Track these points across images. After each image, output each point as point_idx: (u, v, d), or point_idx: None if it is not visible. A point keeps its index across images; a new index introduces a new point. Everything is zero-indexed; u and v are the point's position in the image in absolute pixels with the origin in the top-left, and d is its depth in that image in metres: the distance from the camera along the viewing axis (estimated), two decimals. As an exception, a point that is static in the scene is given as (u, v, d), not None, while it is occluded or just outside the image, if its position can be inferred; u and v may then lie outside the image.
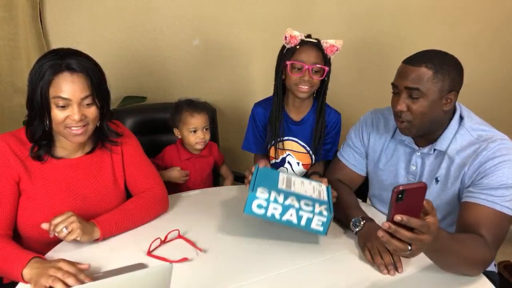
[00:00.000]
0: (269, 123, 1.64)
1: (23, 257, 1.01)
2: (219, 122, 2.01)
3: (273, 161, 1.69)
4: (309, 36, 1.54)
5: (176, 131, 1.69)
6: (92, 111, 1.14)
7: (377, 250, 1.10)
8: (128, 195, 1.34)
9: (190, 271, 1.07)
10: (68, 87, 1.08)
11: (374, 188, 1.45)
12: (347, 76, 2.23)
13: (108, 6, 1.96)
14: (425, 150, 1.25)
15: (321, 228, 1.12)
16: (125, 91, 2.07)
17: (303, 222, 1.11)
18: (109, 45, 2.01)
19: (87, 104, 1.12)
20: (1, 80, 1.90)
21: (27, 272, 0.98)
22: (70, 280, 0.93)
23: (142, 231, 1.24)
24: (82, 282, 0.94)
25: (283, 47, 1.56)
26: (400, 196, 0.81)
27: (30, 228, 1.16)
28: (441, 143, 1.21)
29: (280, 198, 1.11)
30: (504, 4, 2.27)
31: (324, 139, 1.65)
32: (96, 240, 1.15)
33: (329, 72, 1.55)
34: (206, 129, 1.67)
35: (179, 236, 1.20)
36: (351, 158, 1.46)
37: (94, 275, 1.02)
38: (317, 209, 1.11)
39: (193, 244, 1.17)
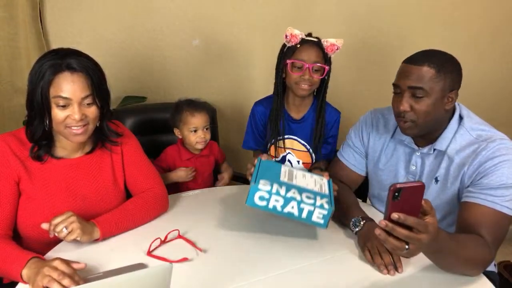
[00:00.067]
0: (269, 121, 1.65)
1: (22, 257, 1.01)
2: (219, 122, 2.01)
3: (273, 159, 1.70)
4: (309, 34, 1.54)
5: (176, 131, 1.69)
6: (92, 111, 1.14)
7: (377, 250, 1.10)
8: (128, 195, 1.34)
9: (190, 271, 1.07)
10: (69, 87, 1.08)
11: (374, 188, 1.45)
12: (347, 76, 2.23)
13: (108, 6, 1.96)
14: (425, 150, 1.25)
15: (321, 221, 1.12)
16: (125, 91, 2.07)
17: (304, 215, 1.12)
18: (109, 45, 2.01)
19: (88, 104, 1.12)
20: (1, 80, 1.90)
21: (26, 272, 0.98)
22: (66, 281, 0.93)
23: (142, 231, 1.24)
24: (77, 283, 0.94)
25: (284, 45, 1.56)
26: (396, 194, 0.82)
27: (30, 228, 1.16)
28: (441, 143, 1.21)
29: (282, 191, 1.12)
30: (504, 4, 2.27)
31: (324, 137, 1.66)
32: (96, 240, 1.15)
33: (329, 71, 1.55)
34: (206, 129, 1.67)
35: (179, 236, 1.20)
36: (351, 158, 1.46)
37: (94, 275, 1.02)
38: (318, 202, 1.12)
39: (193, 244, 1.17)
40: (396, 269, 1.08)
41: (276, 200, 1.11)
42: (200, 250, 1.15)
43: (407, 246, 0.85)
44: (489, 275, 1.12)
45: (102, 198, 1.25)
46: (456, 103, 1.22)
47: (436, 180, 1.23)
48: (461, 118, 1.22)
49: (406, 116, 1.17)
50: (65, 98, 1.08)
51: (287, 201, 1.11)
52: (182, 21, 2.05)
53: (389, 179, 1.36)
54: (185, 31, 2.07)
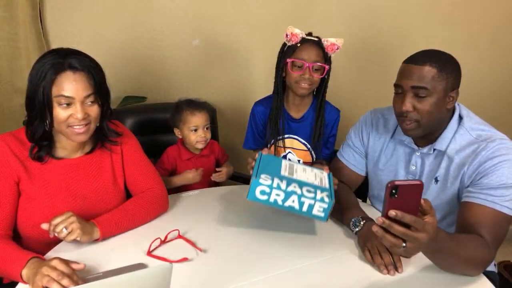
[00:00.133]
0: (269, 120, 1.65)
1: (22, 257, 1.01)
2: (219, 122, 2.01)
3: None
4: (310, 34, 1.54)
5: (176, 131, 1.69)
6: (94, 110, 1.14)
7: (377, 250, 1.10)
8: (128, 195, 1.34)
9: (190, 271, 1.07)
10: (71, 86, 1.08)
11: (373, 188, 1.45)
12: (347, 76, 2.23)
13: (108, 6, 1.96)
14: (425, 150, 1.25)
15: (322, 214, 1.13)
16: (125, 91, 2.07)
17: (304, 208, 1.12)
18: (109, 45, 2.02)
19: (90, 103, 1.13)
20: (1, 80, 1.90)
21: (25, 272, 0.98)
22: (65, 281, 0.92)
23: (142, 231, 1.24)
24: (76, 283, 0.94)
25: (284, 44, 1.56)
26: (394, 191, 0.82)
27: (30, 228, 1.16)
28: (441, 143, 1.21)
29: (283, 185, 1.12)
30: (504, 4, 2.27)
31: (325, 137, 1.66)
32: (96, 240, 1.15)
33: (329, 70, 1.55)
34: (206, 128, 1.67)
35: (179, 236, 1.20)
36: (351, 158, 1.46)
37: (93, 275, 1.02)
38: (318, 196, 1.12)
39: (193, 244, 1.17)
40: (396, 269, 1.08)
41: (277, 194, 1.12)
42: (200, 250, 1.15)
43: (404, 244, 0.85)
44: (489, 275, 1.12)
45: (102, 198, 1.25)
46: (456, 103, 1.22)
47: (436, 180, 1.23)
48: (460, 118, 1.22)
49: (410, 116, 1.16)
50: (68, 97, 1.08)
51: (288, 195, 1.12)
52: (182, 21, 2.05)
53: (389, 179, 1.34)
54: (185, 31, 2.07)
